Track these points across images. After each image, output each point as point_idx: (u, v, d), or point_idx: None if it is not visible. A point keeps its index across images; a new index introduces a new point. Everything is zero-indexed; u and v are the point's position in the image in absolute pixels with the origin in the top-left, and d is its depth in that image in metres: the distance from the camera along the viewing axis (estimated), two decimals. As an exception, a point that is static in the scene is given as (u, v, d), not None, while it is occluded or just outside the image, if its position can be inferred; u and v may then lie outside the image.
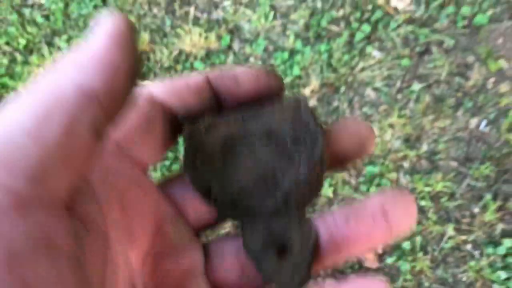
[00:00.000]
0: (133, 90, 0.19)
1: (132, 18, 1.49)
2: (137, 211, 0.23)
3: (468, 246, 1.13)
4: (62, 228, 0.16)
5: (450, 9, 1.35)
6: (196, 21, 1.46)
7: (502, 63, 1.27)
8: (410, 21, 1.36)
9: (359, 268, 1.15)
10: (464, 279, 1.10)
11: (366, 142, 0.25)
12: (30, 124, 0.16)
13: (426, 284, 1.11)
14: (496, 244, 1.11)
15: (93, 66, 0.18)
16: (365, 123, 0.25)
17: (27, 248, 0.15)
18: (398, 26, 1.34)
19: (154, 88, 0.25)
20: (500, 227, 1.13)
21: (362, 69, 1.32)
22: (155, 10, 1.52)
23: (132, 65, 0.19)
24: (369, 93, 1.31)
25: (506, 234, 1.12)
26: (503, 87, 1.25)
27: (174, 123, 0.25)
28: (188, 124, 0.25)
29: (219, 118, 0.25)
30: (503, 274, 1.08)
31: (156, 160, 0.25)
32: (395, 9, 1.39)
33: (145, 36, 1.47)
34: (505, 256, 1.10)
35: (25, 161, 0.16)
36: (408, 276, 1.12)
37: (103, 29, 0.18)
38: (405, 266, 1.13)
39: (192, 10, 1.49)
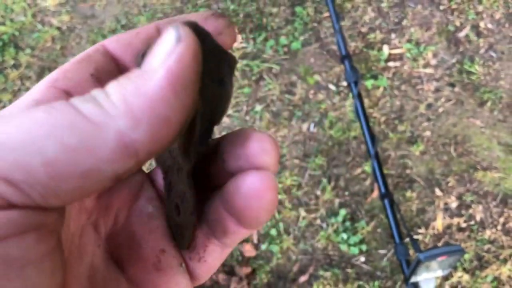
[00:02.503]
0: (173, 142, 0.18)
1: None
2: None
3: (318, 221, 1.48)
4: None
5: (272, 41, 1.72)
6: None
7: (317, 77, 1.66)
8: (244, 56, 1.71)
9: (242, 258, 1.45)
10: (319, 246, 1.46)
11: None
12: (53, 156, 0.15)
13: (294, 257, 1.45)
14: (336, 214, 1.48)
15: (144, 117, 0.16)
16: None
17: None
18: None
19: (106, 42, 0.24)
20: (336, 201, 1.50)
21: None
22: (27, 84, 1.71)
23: (184, 118, 0.17)
24: (225, 119, 1.63)
25: (341, 205, 1.49)
26: (321, 96, 1.63)
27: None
28: None
29: None
30: (344, 235, 1.45)
31: None
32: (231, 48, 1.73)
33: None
34: (343, 221, 1.47)
35: (36, 185, 0.15)
36: (279, 255, 1.45)
37: (167, 65, 0.17)
38: (275, 248, 1.46)
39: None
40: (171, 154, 0.25)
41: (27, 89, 1.69)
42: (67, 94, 0.22)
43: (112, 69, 0.23)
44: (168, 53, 0.17)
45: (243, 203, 0.22)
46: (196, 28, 0.19)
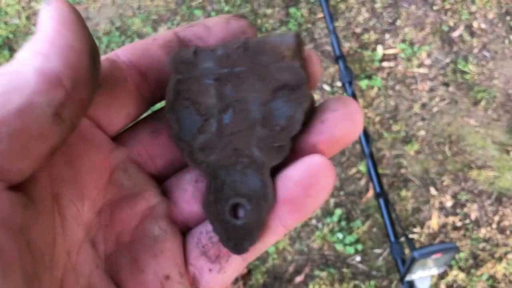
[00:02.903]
0: (98, 72, 0.19)
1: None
2: (86, 165, 0.22)
3: (313, 221, 1.48)
4: (4, 203, 0.16)
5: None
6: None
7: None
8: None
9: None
10: (315, 246, 1.46)
11: None
12: None
13: (289, 257, 1.45)
14: (331, 214, 1.48)
15: (52, 51, 0.18)
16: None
17: None
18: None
19: (120, 50, 0.24)
20: (332, 201, 1.50)
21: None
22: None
23: (89, 45, 0.19)
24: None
25: (337, 205, 1.49)
26: (315, 96, 1.63)
27: (144, 81, 0.24)
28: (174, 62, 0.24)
29: (208, 56, 0.24)
30: (340, 235, 1.45)
31: (125, 121, 0.24)
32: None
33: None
34: (339, 221, 1.47)
35: None
36: (275, 256, 1.45)
37: (48, 15, 0.18)
38: (271, 248, 1.45)
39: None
40: (232, 150, 0.24)
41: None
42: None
43: (118, 78, 0.24)
44: (44, 10, 0.19)
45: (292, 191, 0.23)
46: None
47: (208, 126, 0.24)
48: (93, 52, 0.19)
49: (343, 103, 0.23)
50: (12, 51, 1.79)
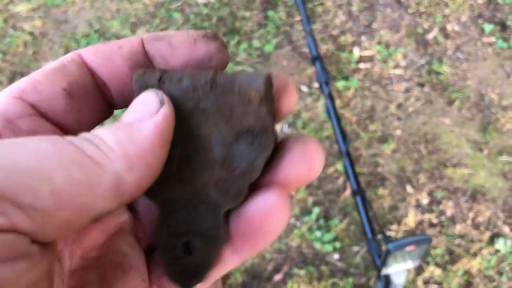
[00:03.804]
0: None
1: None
2: None
3: (292, 220, 1.49)
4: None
5: (245, 45, 1.74)
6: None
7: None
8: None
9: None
10: (293, 244, 1.46)
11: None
12: (60, 186, 0.17)
13: (268, 256, 1.45)
14: (309, 213, 1.49)
15: (137, 165, 0.18)
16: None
17: None
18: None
19: (83, 52, 0.23)
20: (310, 199, 1.51)
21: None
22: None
23: (160, 168, 0.20)
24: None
25: (315, 204, 1.51)
26: (293, 97, 1.65)
27: (105, 88, 0.24)
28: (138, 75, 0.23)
29: (171, 81, 0.23)
30: (318, 233, 1.46)
31: (87, 128, 0.24)
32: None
33: None
34: (317, 219, 1.48)
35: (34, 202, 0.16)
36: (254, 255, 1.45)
37: (156, 121, 0.19)
38: (250, 247, 1.46)
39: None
40: (190, 188, 0.24)
41: (-2, 94, 1.67)
42: (35, 109, 0.22)
43: (87, 83, 0.23)
44: (154, 112, 0.20)
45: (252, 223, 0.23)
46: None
47: (167, 159, 0.23)
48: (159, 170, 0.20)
49: (302, 144, 0.23)
50: (-12, 53, 1.77)
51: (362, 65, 1.72)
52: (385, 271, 1.10)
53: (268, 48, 1.73)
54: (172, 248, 0.24)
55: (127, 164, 0.18)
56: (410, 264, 1.11)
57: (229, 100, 0.23)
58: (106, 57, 0.23)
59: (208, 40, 0.23)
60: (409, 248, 1.05)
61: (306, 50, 1.72)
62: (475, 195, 1.51)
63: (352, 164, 1.23)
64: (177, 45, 0.23)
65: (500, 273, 1.39)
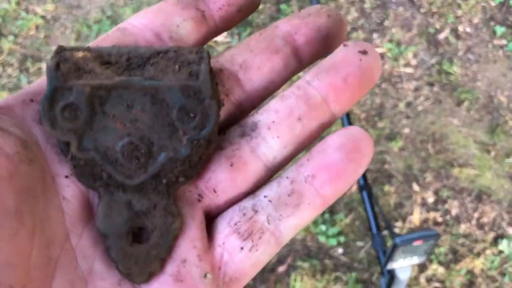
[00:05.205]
0: None
1: (-10, 81, 1.65)
2: None
3: (297, 213, 1.49)
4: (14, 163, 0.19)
5: (256, 37, 1.74)
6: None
7: (300, 73, 1.68)
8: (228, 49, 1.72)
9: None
10: (298, 237, 1.47)
11: None
12: None
13: (272, 248, 1.46)
14: (315, 206, 1.49)
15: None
16: None
17: None
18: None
19: (132, 19, 0.24)
20: (316, 193, 1.51)
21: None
22: (9, 70, 1.70)
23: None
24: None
25: (321, 197, 1.51)
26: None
27: (159, 40, 0.25)
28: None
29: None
30: (323, 227, 1.47)
31: None
32: (215, 41, 1.74)
33: (3, 94, 1.64)
34: (322, 213, 1.48)
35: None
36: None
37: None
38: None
39: (44, 66, 1.69)
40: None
41: (9, 76, 1.68)
42: None
43: None
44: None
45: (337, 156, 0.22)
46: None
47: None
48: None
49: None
50: (0, 35, 1.77)
51: (372, 62, 1.72)
52: (390, 266, 1.11)
53: (280, 41, 1.74)
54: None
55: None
56: (416, 260, 1.11)
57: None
58: (157, 9, 0.26)
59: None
60: (416, 243, 1.05)
61: (317, 45, 1.72)
62: (481, 196, 1.51)
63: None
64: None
65: (503, 274, 1.40)
